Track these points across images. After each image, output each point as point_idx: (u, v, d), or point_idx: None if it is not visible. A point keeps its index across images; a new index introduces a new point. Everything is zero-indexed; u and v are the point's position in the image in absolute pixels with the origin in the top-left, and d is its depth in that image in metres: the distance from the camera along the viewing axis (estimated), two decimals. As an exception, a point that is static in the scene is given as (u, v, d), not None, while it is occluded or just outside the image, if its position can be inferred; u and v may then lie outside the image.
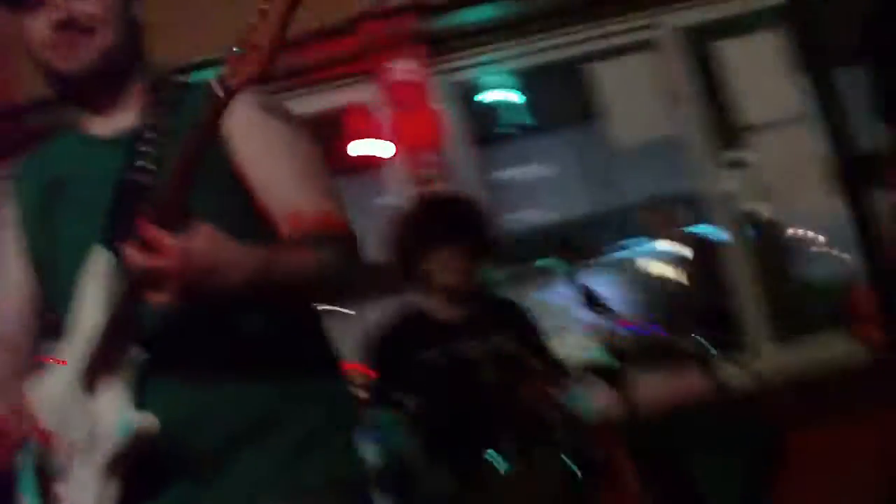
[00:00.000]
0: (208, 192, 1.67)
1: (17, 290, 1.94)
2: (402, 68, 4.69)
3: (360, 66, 4.80)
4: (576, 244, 4.93)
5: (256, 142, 1.80)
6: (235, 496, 1.71)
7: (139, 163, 1.73)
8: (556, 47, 5.00)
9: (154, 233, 1.51)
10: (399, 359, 3.30)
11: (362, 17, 4.73)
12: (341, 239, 1.75)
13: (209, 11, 4.76)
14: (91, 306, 1.73)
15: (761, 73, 4.85)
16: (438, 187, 4.48)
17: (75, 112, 1.91)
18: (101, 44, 1.80)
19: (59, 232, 1.86)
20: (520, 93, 6.03)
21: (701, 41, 4.92)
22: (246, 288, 1.57)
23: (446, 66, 4.88)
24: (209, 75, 4.13)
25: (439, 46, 4.82)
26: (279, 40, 1.51)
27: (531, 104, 6.26)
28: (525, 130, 6.89)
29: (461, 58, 4.92)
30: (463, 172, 4.77)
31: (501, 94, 5.98)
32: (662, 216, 5.36)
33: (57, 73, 1.82)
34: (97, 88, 1.84)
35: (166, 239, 1.51)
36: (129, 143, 1.79)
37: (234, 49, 1.53)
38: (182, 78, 1.92)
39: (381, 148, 4.89)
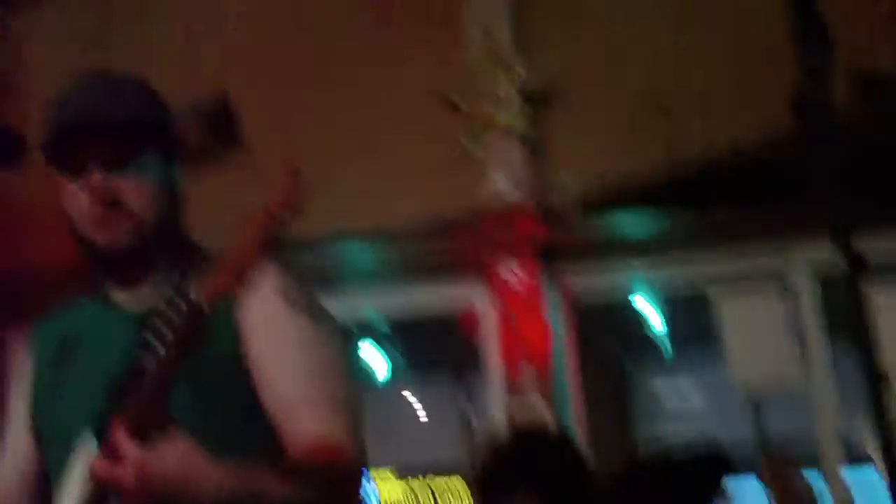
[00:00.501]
0: (208, 402, 1.67)
1: (24, 464, 1.90)
2: (518, 273, 4.55)
3: (474, 264, 4.68)
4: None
5: (270, 341, 1.76)
6: None
7: (150, 344, 1.63)
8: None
9: (119, 440, 1.48)
10: None
11: (479, 214, 4.64)
12: (331, 470, 1.67)
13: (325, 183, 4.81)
14: (71, 491, 1.67)
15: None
16: (535, 404, 4.25)
17: (104, 281, 1.88)
18: (140, 221, 1.79)
19: (65, 399, 1.84)
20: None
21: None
22: None
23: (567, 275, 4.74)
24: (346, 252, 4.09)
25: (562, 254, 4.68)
26: (253, 258, 1.50)
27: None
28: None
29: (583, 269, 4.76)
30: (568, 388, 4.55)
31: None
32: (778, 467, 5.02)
33: (93, 246, 1.80)
34: (131, 262, 1.82)
35: (130, 450, 1.46)
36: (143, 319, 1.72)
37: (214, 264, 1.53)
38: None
39: (488, 351, 4.71)
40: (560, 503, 3.11)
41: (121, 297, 1.87)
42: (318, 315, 1.81)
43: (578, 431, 4.57)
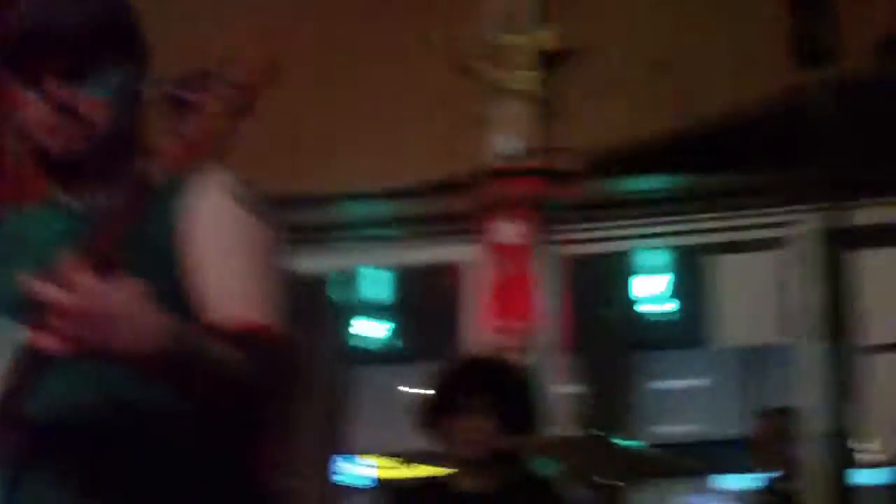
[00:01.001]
0: (147, 266, 1.60)
1: None
2: (512, 232, 4.61)
3: (472, 223, 4.75)
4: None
5: (213, 232, 1.74)
6: None
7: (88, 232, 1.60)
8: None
9: (73, 266, 1.41)
10: None
11: (486, 173, 4.70)
12: (268, 350, 1.65)
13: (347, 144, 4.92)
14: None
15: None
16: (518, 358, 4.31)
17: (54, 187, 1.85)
18: (95, 131, 1.75)
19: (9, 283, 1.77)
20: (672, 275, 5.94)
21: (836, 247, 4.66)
22: (156, 355, 1.46)
23: (565, 235, 4.78)
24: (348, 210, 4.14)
25: (560, 215, 4.73)
26: (209, 137, 1.46)
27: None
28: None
29: (580, 230, 4.80)
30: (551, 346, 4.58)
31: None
32: (771, 427, 5.08)
33: (46, 153, 1.77)
34: (83, 169, 1.79)
35: (81, 277, 1.40)
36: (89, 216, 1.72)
37: (172, 140, 1.49)
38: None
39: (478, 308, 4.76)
40: (516, 427, 3.30)
41: (67, 197, 1.84)
42: (260, 213, 1.79)
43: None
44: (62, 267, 1.41)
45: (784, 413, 4.89)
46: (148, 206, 1.52)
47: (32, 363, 1.52)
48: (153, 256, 1.71)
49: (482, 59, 4.80)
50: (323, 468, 10.61)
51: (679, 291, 6.21)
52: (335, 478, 10.65)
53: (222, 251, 1.74)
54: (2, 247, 1.87)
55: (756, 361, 8.78)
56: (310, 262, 5.08)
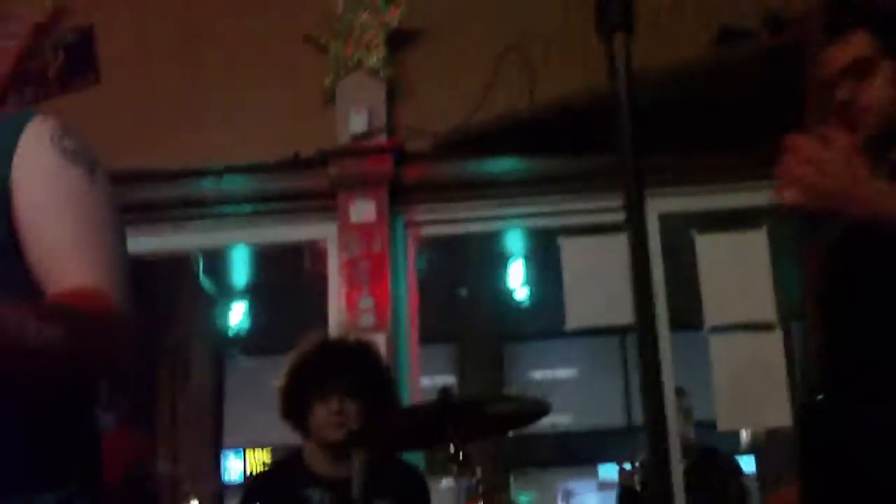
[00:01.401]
0: None
1: None
2: (363, 210, 4.60)
3: (325, 201, 4.73)
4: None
5: (40, 193, 1.68)
6: None
7: None
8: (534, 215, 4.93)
9: None
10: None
11: (336, 152, 4.69)
12: (91, 320, 1.59)
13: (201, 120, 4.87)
14: None
15: (736, 273, 4.67)
16: (370, 336, 4.30)
17: None
18: None
19: None
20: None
21: (680, 230, 4.77)
22: None
23: (413, 215, 4.80)
24: (204, 185, 4.13)
25: (408, 195, 4.74)
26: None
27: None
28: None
29: (432, 210, 4.82)
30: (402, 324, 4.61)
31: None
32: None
33: None
34: None
35: None
36: None
37: None
38: None
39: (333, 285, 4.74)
40: (374, 409, 3.24)
41: None
42: (92, 168, 1.75)
43: (414, 367, 4.66)
44: None
45: (679, 394, 4.93)
46: None
47: None
48: None
49: (332, 35, 4.81)
50: (201, 460, 10.48)
51: (537, 277, 6.29)
52: (215, 471, 10.52)
53: (52, 207, 1.69)
54: None
55: (631, 347, 8.88)
56: (168, 241, 5.03)
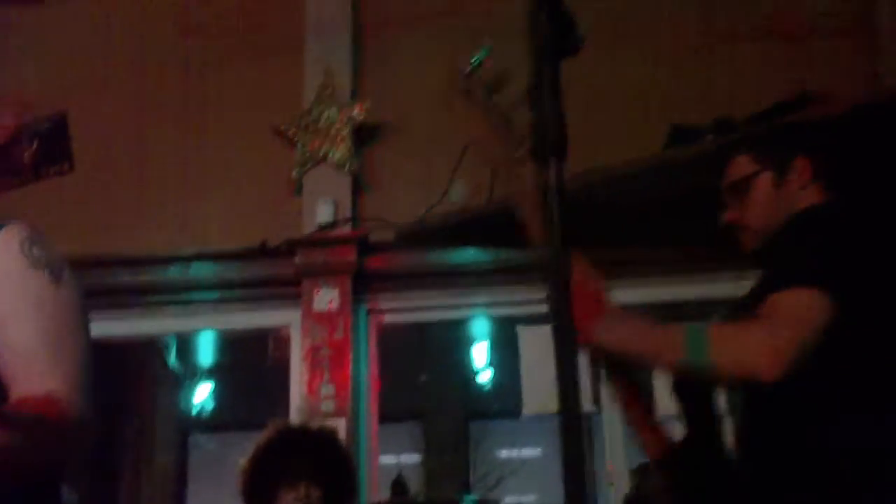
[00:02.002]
0: None
1: None
2: (327, 299, 4.73)
3: (290, 289, 4.86)
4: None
5: (7, 299, 1.77)
6: None
7: None
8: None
9: None
10: None
11: (302, 242, 4.83)
12: (48, 427, 1.67)
13: (169, 208, 5.01)
14: None
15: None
16: (331, 421, 4.40)
17: None
18: None
19: None
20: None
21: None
22: None
23: (376, 303, 4.93)
24: (173, 272, 4.25)
25: (371, 283, 4.88)
26: None
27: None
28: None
29: (394, 297, 4.95)
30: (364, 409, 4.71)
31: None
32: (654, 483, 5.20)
33: None
34: None
35: None
36: None
37: None
38: None
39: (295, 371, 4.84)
40: (326, 488, 3.26)
41: None
42: (58, 274, 1.82)
43: (374, 451, 4.75)
44: None
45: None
46: None
47: None
48: None
49: (299, 128, 4.98)
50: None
51: (500, 360, 6.41)
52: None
53: (17, 314, 1.76)
54: None
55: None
56: (136, 326, 5.13)
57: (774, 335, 1.99)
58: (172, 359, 6.97)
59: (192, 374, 7.22)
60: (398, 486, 2.97)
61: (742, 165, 2.37)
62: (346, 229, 4.87)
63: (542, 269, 1.56)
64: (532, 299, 4.91)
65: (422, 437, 10.19)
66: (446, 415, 10.01)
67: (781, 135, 2.54)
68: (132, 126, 5.23)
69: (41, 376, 1.72)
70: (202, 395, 7.43)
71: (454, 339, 6.39)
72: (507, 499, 9.91)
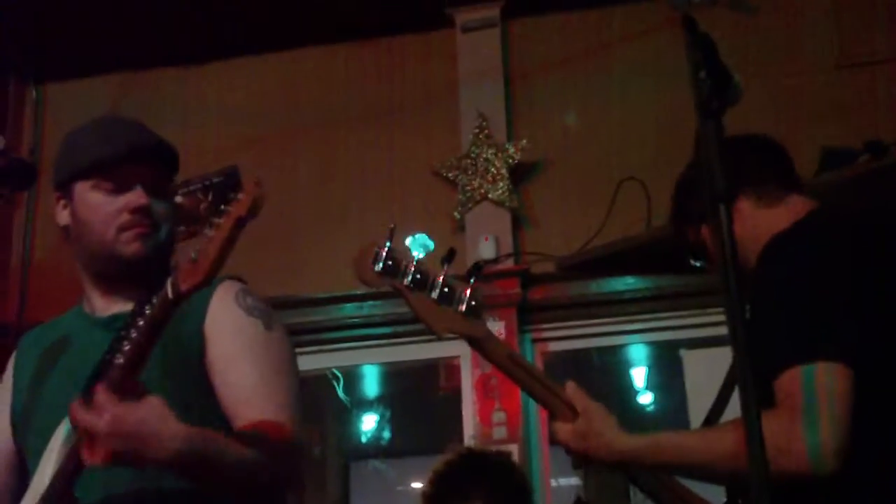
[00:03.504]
0: (176, 380, 1.89)
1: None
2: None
3: (459, 322, 5.10)
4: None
5: (228, 344, 1.99)
6: None
7: (117, 343, 1.87)
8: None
9: (102, 394, 1.70)
10: None
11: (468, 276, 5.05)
12: (278, 447, 1.89)
13: (342, 250, 5.33)
14: (50, 468, 1.90)
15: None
16: (504, 447, 4.60)
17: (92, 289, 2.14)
18: (158, 241, 2.07)
19: (44, 395, 2.06)
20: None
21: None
22: (174, 462, 1.72)
23: (540, 332, 5.13)
24: (347, 310, 4.56)
25: (534, 314, 5.07)
26: (224, 252, 1.68)
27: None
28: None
29: (555, 327, 5.14)
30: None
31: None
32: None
33: (112, 254, 2.06)
34: (138, 273, 2.06)
35: (108, 402, 1.69)
36: (120, 324, 1.97)
37: (192, 256, 1.70)
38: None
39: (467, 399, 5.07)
40: None
41: (102, 306, 2.11)
42: (269, 321, 2.05)
43: (546, 473, 4.94)
44: (94, 393, 1.70)
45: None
46: (173, 316, 1.75)
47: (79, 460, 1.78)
48: (183, 356, 1.96)
49: (459, 170, 5.23)
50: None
51: (658, 385, 6.51)
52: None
53: (238, 357, 1.99)
54: (40, 356, 2.12)
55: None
56: (312, 362, 5.44)
57: (820, 423, 1.85)
58: (344, 393, 7.26)
59: (363, 406, 7.49)
60: (580, 502, 3.14)
61: (692, 233, 2.42)
62: (508, 264, 5.08)
63: (717, 294, 1.61)
64: (694, 323, 5.03)
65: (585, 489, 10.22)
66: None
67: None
68: (306, 175, 5.57)
69: (261, 409, 1.94)
70: (371, 424, 7.70)
71: (616, 364, 6.50)
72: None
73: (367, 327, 5.32)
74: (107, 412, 1.68)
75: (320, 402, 8.02)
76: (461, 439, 4.86)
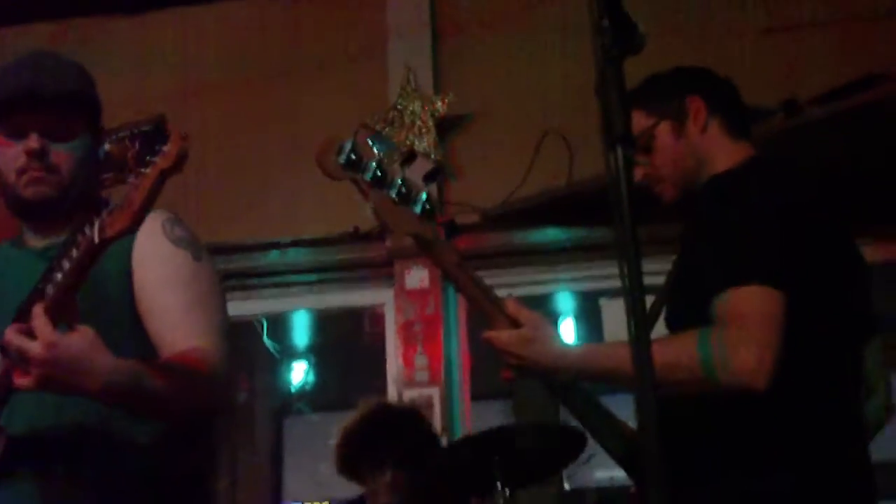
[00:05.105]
0: (100, 316, 1.90)
1: None
2: (417, 278, 5.06)
3: (383, 270, 5.21)
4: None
5: (155, 273, 2.04)
6: None
7: (49, 273, 1.90)
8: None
9: (38, 318, 1.74)
10: None
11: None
12: (205, 375, 1.95)
13: (269, 199, 5.38)
14: None
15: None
16: (425, 390, 4.73)
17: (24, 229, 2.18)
18: (62, 183, 2.09)
19: None
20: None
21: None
22: (102, 392, 1.78)
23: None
24: (272, 257, 4.62)
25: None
26: (149, 200, 1.72)
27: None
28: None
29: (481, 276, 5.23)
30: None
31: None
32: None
33: (20, 199, 2.10)
34: (46, 213, 2.12)
35: (44, 327, 1.73)
36: (52, 255, 2.01)
37: (119, 202, 1.74)
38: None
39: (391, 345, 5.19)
40: (413, 471, 3.40)
41: (36, 241, 2.15)
42: (197, 253, 2.09)
43: (467, 419, 5.07)
44: (28, 317, 1.74)
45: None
46: (98, 259, 1.79)
47: (8, 384, 1.83)
48: (108, 294, 2.00)
49: (387, 123, 5.31)
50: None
51: (579, 335, 6.64)
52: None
53: (166, 285, 2.02)
54: None
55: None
56: (238, 308, 5.49)
57: (756, 343, 1.96)
58: (269, 340, 7.31)
59: (289, 354, 7.56)
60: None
61: (639, 121, 2.36)
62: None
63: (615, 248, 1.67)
64: (613, 274, 5.17)
65: (513, 414, 10.36)
66: (536, 391, 10.19)
67: (664, 83, 2.48)
68: (228, 124, 5.60)
69: (187, 337, 1.99)
70: (299, 372, 7.77)
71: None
72: (598, 474, 10.01)
73: (292, 273, 5.40)
74: (42, 338, 1.73)
75: (249, 353, 8.06)
76: (384, 384, 4.97)
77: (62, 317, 1.78)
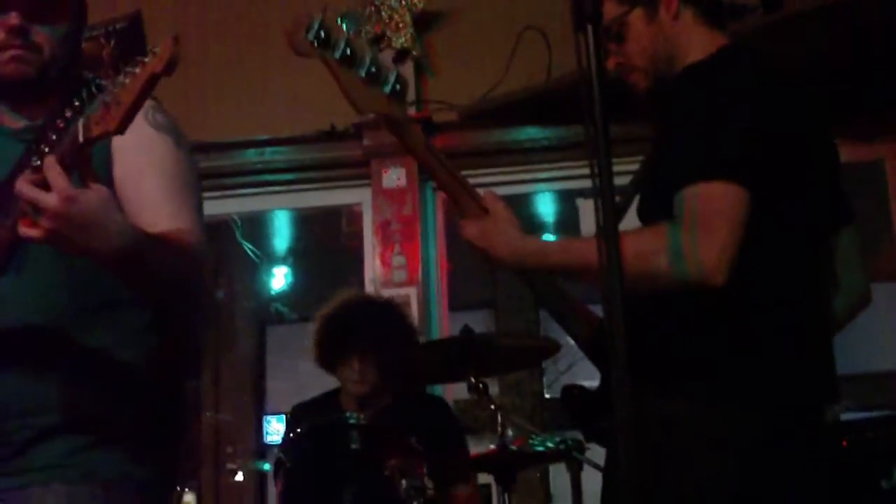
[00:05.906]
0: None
1: None
2: (394, 177, 5.02)
3: (360, 169, 5.16)
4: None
5: (139, 157, 2.02)
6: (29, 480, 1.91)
7: (29, 155, 1.87)
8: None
9: (52, 169, 1.68)
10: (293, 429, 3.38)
11: (367, 124, 5.09)
12: (193, 253, 1.97)
13: (243, 97, 5.31)
14: None
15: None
16: (403, 290, 4.73)
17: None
18: (42, 62, 2.05)
19: None
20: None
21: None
22: (112, 257, 1.75)
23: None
24: (248, 155, 4.55)
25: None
26: (138, 102, 1.68)
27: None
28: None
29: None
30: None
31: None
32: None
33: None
34: (24, 92, 2.08)
35: (60, 179, 1.67)
36: (31, 136, 2.00)
37: (106, 100, 1.69)
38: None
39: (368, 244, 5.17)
40: (389, 362, 3.49)
41: (12, 121, 2.10)
42: (178, 139, 2.09)
43: (444, 321, 5.09)
44: (45, 168, 1.68)
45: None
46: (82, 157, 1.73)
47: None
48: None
49: (364, 18, 5.20)
50: (248, 422, 10.85)
51: (556, 234, 6.67)
52: (256, 433, 10.84)
53: (148, 169, 2.00)
54: None
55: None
56: (216, 207, 5.45)
57: (715, 238, 1.97)
58: (247, 242, 7.31)
59: (268, 256, 7.56)
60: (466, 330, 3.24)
61: (611, 9, 2.32)
62: (410, 111, 5.10)
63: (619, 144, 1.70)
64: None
65: (494, 325, 10.45)
66: (518, 301, 10.26)
67: None
68: (200, 21, 5.48)
69: (169, 219, 1.98)
70: (279, 276, 7.78)
71: (516, 213, 6.61)
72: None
73: (268, 173, 5.35)
74: (59, 190, 1.68)
75: (228, 255, 8.06)
76: (361, 283, 4.97)
77: (80, 165, 1.74)
